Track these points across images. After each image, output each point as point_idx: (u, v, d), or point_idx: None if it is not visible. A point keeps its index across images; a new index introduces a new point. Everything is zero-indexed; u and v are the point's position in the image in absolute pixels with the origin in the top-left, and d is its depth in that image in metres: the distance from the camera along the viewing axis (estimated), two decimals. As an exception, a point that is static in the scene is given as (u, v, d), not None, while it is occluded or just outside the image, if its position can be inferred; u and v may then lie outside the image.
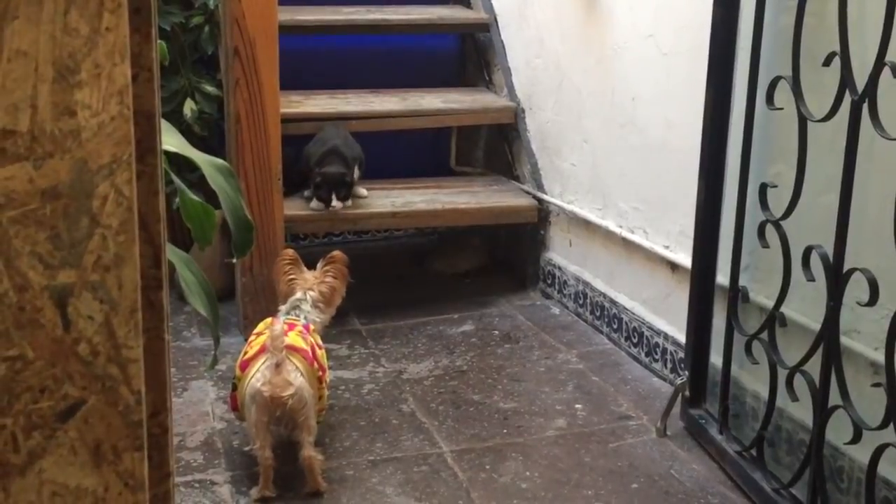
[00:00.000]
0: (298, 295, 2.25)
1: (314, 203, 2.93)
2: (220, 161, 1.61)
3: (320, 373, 2.07)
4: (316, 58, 3.45)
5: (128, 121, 0.72)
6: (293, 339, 2.06)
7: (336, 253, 2.33)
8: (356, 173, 2.96)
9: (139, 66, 0.78)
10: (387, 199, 3.05)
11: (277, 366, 1.96)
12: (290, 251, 2.35)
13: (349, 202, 2.93)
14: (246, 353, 2.09)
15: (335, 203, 2.86)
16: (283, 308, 2.26)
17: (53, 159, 0.70)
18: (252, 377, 1.99)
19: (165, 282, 0.84)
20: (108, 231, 0.71)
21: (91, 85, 0.70)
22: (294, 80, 3.06)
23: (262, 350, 2.01)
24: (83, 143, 0.70)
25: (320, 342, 2.20)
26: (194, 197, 1.66)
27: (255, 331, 2.18)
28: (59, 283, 0.70)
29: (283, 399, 1.96)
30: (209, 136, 3.05)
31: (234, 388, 2.09)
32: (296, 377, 1.98)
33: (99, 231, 0.71)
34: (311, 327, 2.19)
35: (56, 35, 0.69)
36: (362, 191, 3.05)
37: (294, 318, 2.20)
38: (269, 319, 2.18)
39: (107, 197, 0.71)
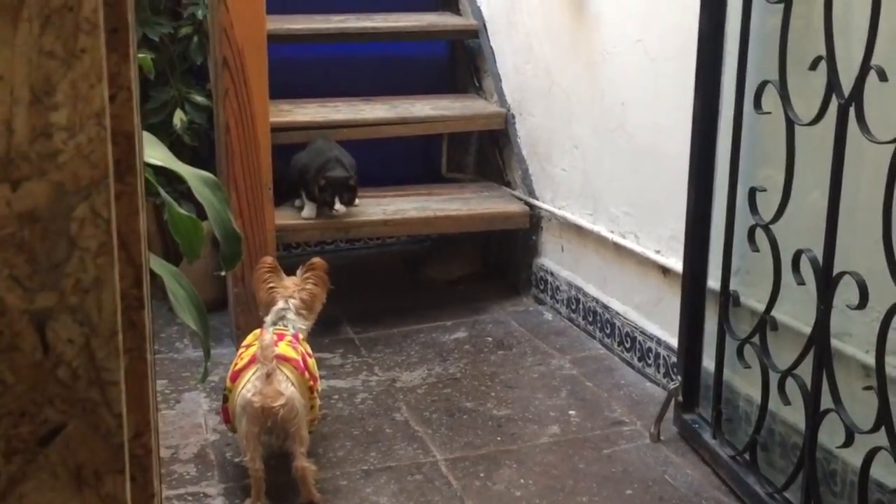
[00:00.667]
0: (281, 304, 2.24)
1: (305, 212, 2.93)
2: (205, 174, 1.61)
3: (311, 382, 2.07)
4: (305, 66, 3.45)
5: (105, 142, 0.72)
6: (283, 348, 2.05)
7: (316, 260, 2.32)
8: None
9: (117, 86, 0.78)
10: (378, 207, 3.05)
11: (268, 376, 1.95)
12: (269, 259, 2.33)
13: (352, 206, 2.92)
14: (236, 364, 2.08)
15: (338, 206, 2.84)
16: (268, 319, 2.25)
17: (30, 182, 0.69)
18: (243, 388, 1.99)
19: (148, 301, 0.84)
20: (87, 253, 0.71)
21: (68, 107, 0.70)
22: (283, 88, 3.06)
23: (253, 361, 2.00)
24: (60, 165, 0.70)
25: (310, 351, 2.19)
26: (182, 210, 1.66)
27: (245, 343, 2.17)
28: (37, 306, 0.70)
29: (273, 409, 1.95)
30: (199, 146, 3.04)
31: (226, 399, 2.08)
32: (286, 387, 1.97)
33: (77, 253, 0.70)
34: (301, 336, 2.19)
35: (31, 57, 0.69)
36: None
37: (282, 327, 2.19)
38: (257, 331, 2.17)
39: (85, 219, 0.71)
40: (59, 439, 0.70)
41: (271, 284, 2.26)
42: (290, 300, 2.25)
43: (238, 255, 1.57)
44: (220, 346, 2.76)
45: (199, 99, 3.03)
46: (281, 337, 2.10)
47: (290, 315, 2.23)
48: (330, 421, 2.35)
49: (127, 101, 0.80)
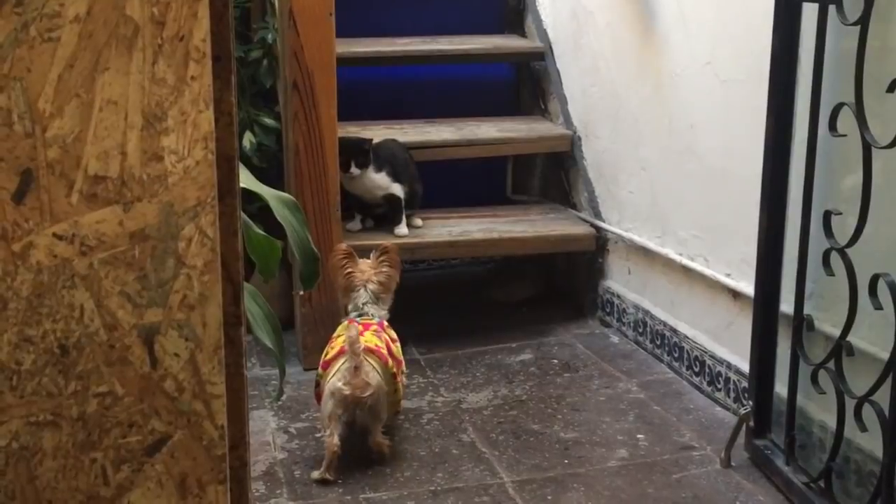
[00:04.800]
0: (362, 297, 2.38)
1: (351, 224, 2.98)
2: (286, 195, 1.65)
3: (395, 369, 2.23)
4: (372, 89, 3.50)
5: (211, 165, 0.75)
6: (369, 338, 2.23)
7: (387, 244, 2.50)
8: (396, 185, 2.95)
9: (220, 112, 0.81)
10: (444, 229, 3.07)
11: (356, 368, 2.14)
12: (343, 245, 2.49)
13: (361, 173, 2.88)
14: (327, 353, 2.26)
15: (353, 170, 2.84)
16: (351, 312, 2.39)
17: (142, 203, 0.73)
18: (333, 376, 2.17)
19: (244, 318, 0.87)
20: (193, 271, 0.74)
21: (177, 131, 0.73)
22: (351, 110, 3.11)
23: (342, 352, 2.18)
24: (170, 187, 0.73)
25: (394, 336, 2.36)
26: (259, 231, 1.70)
27: (335, 334, 2.35)
28: (146, 321, 0.73)
29: (362, 399, 2.16)
30: (268, 167, 3.10)
31: (317, 384, 2.25)
32: (374, 377, 2.17)
33: (184, 271, 0.73)
34: (385, 324, 2.36)
35: (144, 85, 0.72)
36: (418, 220, 3.08)
37: (367, 319, 2.34)
38: (345, 322, 2.34)
39: (192, 238, 0.74)
40: (165, 450, 0.73)
41: (349, 269, 2.41)
42: (369, 284, 2.40)
43: (316, 275, 1.61)
44: (286, 364, 2.79)
45: (268, 121, 3.09)
46: (367, 326, 2.28)
47: (370, 308, 2.38)
48: (396, 441, 2.36)
49: (228, 125, 0.84)
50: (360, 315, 2.37)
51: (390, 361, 2.23)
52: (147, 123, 0.73)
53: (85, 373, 0.72)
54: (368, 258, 2.46)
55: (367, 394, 2.15)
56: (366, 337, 2.23)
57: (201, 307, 0.75)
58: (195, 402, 0.75)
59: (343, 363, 2.17)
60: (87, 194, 0.71)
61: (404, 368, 2.35)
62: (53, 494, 0.71)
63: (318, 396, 2.26)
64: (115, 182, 0.73)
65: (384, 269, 2.43)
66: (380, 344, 2.24)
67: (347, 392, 2.15)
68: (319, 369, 2.26)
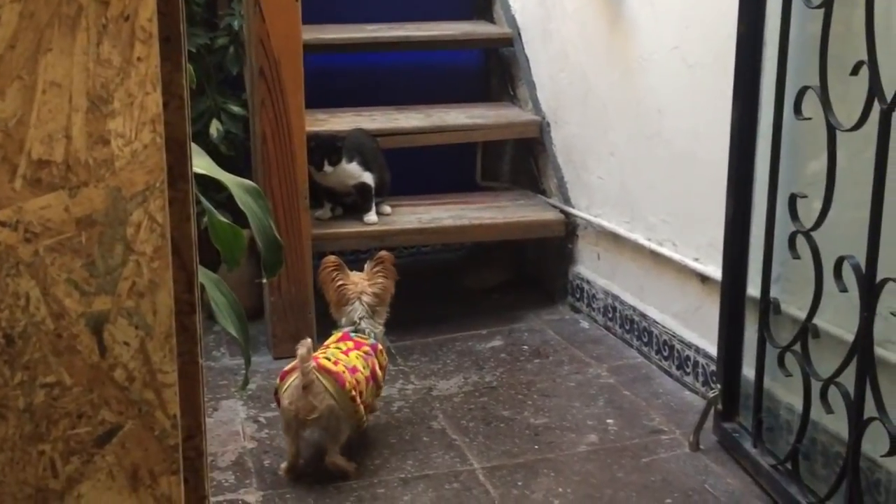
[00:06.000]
0: (357, 312, 2.30)
1: (319, 212, 2.95)
2: (248, 182, 1.62)
3: (353, 392, 2.11)
4: (340, 76, 3.47)
5: (160, 149, 0.73)
6: (353, 359, 2.15)
7: (383, 253, 2.39)
8: (367, 173, 2.94)
9: (170, 94, 0.79)
10: (413, 216, 3.06)
11: (304, 388, 2.06)
12: (332, 257, 2.38)
13: (334, 168, 2.88)
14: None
15: (326, 168, 2.84)
16: (344, 326, 2.31)
17: (88, 188, 0.71)
18: (285, 391, 2.10)
19: (198, 306, 0.85)
20: (143, 258, 0.72)
21: (124, 114, 0.71)
22: (319, 98, 3.08)
23: (296, 367, 2.09)
24: (117, 171, 0.71)
25: (384, 362, 2.30)
26: (223, 219, 1.67)
27: (325, 343, 2.28)
28: (94, 309, 0.71)
29: (307, 421, 2.09)
30: (235, 155, 3.07)
31: (276, 392, 2.19)
32: (321, 399, 2.07)
33: (133, 258, 0.72)
34: (380, 347, 2.27)
35: (89, 66, 0.70)
36: (386, 208, 3.07)
37: (362, 336, 2.27)
38: (338, 332, 2.28)
39: (140, 224, 0.72)
40: (116, 440, 0.71)
41: (340, 282, 2.32)
42: (363, 297, 2.31)
43: (280, 263, 1.59)
44: (255, 354, 2.78)
45: (236, 109, 3.06)
46: (358, 345, 2.21)
47: (366, 323, 2.30)
48: (367, 429, 2.35)
49: (179, 108, 0.82)
50: (355, 331, 2.29)
51: (348, 384, 2.10)
52: (92, 106, 0.71)
53: (31, 363, 0.70)
54: (357, 267, 2.40)
55: (313, 416, 2.07)
56: (350, 357, 2.16)
57: (151, 294, 0.74)
58: (146, 391, 0.73)
59: (293, 380, 2.09)
60: (31, 179, 0.69)
61: (381, 394, 2.31)
62: (1, 488, 0.69)
63: (278, 400, 2.19)
64: (59, 167, 0.71)
65: (379, 280, 2.33)
66: (338, 370, 2.11)
67: (292, 412, 2.08)
68: (278, 379, 2.17)
